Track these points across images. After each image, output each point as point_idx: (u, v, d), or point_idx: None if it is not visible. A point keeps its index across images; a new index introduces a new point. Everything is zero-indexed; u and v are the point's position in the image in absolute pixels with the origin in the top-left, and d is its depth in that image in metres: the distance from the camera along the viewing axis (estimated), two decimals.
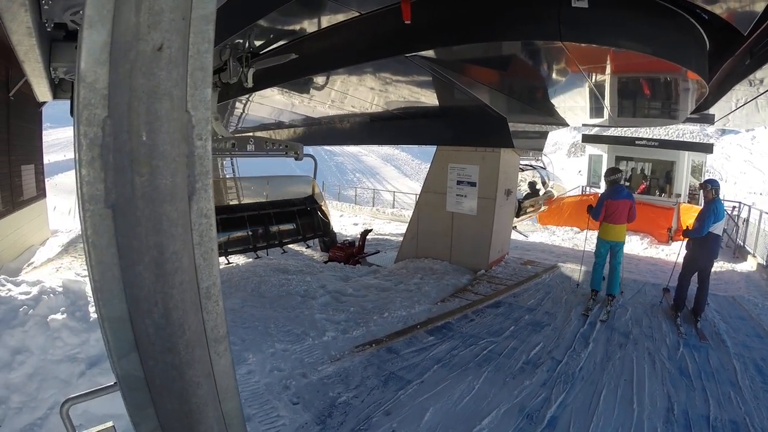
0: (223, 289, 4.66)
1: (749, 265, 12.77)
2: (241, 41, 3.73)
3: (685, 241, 8.01)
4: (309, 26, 3.63)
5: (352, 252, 12.33)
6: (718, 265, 8.29)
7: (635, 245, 10.41)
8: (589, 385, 5.48)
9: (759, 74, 4.35)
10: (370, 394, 5.18)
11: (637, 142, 17.45)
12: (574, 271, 10.42)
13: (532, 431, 4.57)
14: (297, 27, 3.63)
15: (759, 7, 2.58)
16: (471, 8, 3.02)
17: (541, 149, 8.43)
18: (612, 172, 8.12)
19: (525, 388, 5.31)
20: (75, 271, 9.44)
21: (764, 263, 12.04)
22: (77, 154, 1.02)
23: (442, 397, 5.08)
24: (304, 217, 12.51)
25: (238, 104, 7.06)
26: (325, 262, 11.89)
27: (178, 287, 1.12)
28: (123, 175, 1.03)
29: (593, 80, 4.33)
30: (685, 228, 7.83)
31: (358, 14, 3.41)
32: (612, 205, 7.98)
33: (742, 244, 14.47)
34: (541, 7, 2.71)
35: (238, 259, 11.60)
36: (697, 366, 6.10)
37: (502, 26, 2.93)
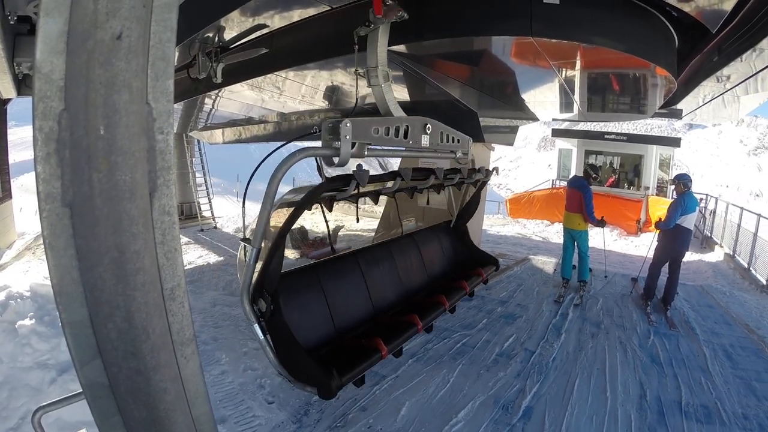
0: (193, 288, 4.50)
1: (717, 255, 13.18)
2: (211, 35, 3.63)
3: (656, 233, 8.22)
4: (280, 20, 3.55)
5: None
6: (687, 256, 8.52)
7: (605, 237, 10.65)
8: (562, 374, 5.56)
9: (726, 71, 4.46)
10: (345, 391, 5.11)
11: (606, 136, 17.76)
12: (546, 263, 10.57)
13: (507, 422, 4.61)
14: (268, 21, 3.55)
15: (728, 6, 2.63)
16: (442, 3, 3.00)
17: (511, 143, 8.47)
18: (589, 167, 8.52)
19: (499, 380, 5.36)
20: (43, 274, 9.17)
21: (731, 253, 12.43)
22: (33, 150, 0.96)
23: (418, 391, 5.08)
24: None
25: (207, 100, 6.89)
26: (296, 259, 11.79)
27: (141, 289, 1.07)
28: (80, 172, 0.97)
29: (563, 76, 4.37)
30: (657, 220, 8.03)
31: (329, 8, 3.37)
32: (566, 193, 8.50)
33: (709, 235, 14.94)
34: (514, 2, 2.71)
35: (209, 257, 11.42)
36: (667, 353, 6.26)
37: (474, 21, 2.91)
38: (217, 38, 3.73)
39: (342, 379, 3.23)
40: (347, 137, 2.66)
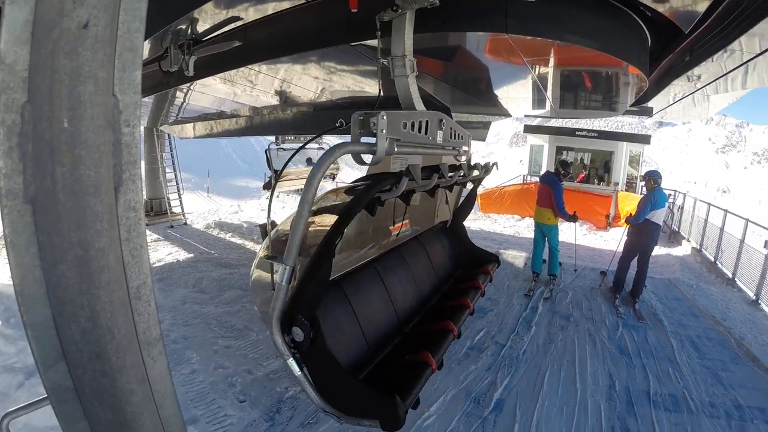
0: (163, 286, 4.35)
1: (684, 250, 13.55)
2: (184, 27, 3.54)
3: (625, 228, 8.41)
4: (254, 13, 3.49)
5: None
6: (655, 250, 8.76)
7: (574, 231, 10.85)
8: (533, 367, 5.66)
9: (697, 71, 4.57)
10: None
11: (577, 132, 18.02)
12: (516, 257, 10.70)
13: (479, 415, 4.67)
14: (242, 13, 3.48)
15: (701, 8, 2.69)
16: None
17: (483, 139, 8.54)
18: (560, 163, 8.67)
19: (470, 373, 5.42)
20: (8, 274, 8.88)
21: (698, 247, 12.80)
22: None
23: None
24: None
25: (178, 93, 6.74)
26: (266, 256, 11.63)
27: (105, 288, 1.03)
28: (43, 167, 0.93)
29: (537, 72, 4.41)
30: (627, 215, 8.23)
31: (304, 1, 3.33)
32: (538, 188, 8.73)
33: (677, 229, 15.35)
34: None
35: (178, 254, 11.23)
36: (636, 345, 6.43)
37: (450, 17, 2.91)
38: (189, 30, 3.63)
39: (405, 403, 2.73)
40: (383, 131, 2.47)
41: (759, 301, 9.04)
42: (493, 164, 4.87)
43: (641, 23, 3.41)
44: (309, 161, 12.51)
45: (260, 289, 3.67)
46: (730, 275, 10.50)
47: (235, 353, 5.86)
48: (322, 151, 12.90)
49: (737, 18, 3.20)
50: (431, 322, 4.05)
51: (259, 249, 3.68)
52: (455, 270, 5.34)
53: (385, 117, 2.46)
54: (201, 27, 3.59)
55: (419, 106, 2.68)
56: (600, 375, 5.59)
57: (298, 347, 2.49)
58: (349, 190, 2.92)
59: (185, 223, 15.38)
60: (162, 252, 11.44)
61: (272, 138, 12.48)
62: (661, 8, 2.94)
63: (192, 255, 11.22)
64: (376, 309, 3.81)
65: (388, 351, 3.61)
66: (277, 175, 10.89)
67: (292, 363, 2.53)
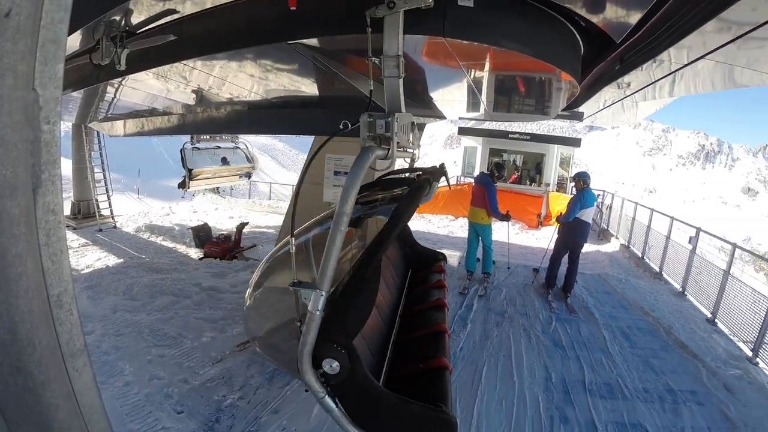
0: (92, 293, 4.09)
1: (613, 246, 14.27)
2: (117, 18, 3.37)
3: (556, 226, 8.73)
4: (191, 6, 3.36)
5: (228, 247, 11.89)
6: (585, 247, 9.18)
7: (507, 230, 11.21)
8: (470, 363, 5.80)
9: (627, 79, 4.81)
10: (256, 394, 5.04)
11: (510, 135, 18.56)
12: (450, 256, 10.89)
13: None
14: (178, 6, 3.35)
15: (633, 20, 2.82)
16: None
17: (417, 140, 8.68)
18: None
19: None
20: None
21: (626, 244, 13.51)
22: None
23: None
24: None
25: (109, 88, 6.41)
26: (200, 259, 11.38)
27: (24, 296, 0.95)
28: None
29: (472, 76, 4.49)
30: (558, 214, 8.56)
31: None
32: (472, 189, 8.94)
33: (606, 227, 16.14)
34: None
35: (108, 260, 10.73)
36: (569, 337, 6.71)
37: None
38: (123, 22, 3.45)
39: (449, 409, 2.53)
40: (396, 134, 2.40)
41: (685, 293, 9.70)
42: (441, 165, 4.86)
43: (575, 32, 3.55)
44: (224, 160, 12.45)
45: (262, 322, 3.18)
46: (658, 269, 11.18)
47: (170, 362, 5.66)
48: (239, 151, 12.80)
49: (667, 30, 3.41)
50: (415, 327, 3.83)
51: (258, 271, 3.22)
52: (407, 271, 5.32)
53: (398, 120, 2.41)
54: (135, 19, 3.43)
55: (404, 108, 2.62)
56: (536, 368, 5.79)
57: (330, 380, 2.21)
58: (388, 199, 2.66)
59: (115, 226, 14.74)
60: (90, 257, 10.95)
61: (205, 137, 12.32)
62: (595, 19, 3.07)
63: (122, 260, 10.77)
64: (373, 320, 3.53)
65: (390, 362, 3.35)
66: (190, 174, 11.06)
67: (328, 401, 2.25)
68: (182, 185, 11.68)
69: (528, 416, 4.82)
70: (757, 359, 6.64)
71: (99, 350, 5.88)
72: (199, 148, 11.61)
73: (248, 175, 13.12)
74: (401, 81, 2.59)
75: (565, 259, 8.47)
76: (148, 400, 4.88)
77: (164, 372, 5.41)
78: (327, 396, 2.22)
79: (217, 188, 12.18)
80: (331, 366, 2.16)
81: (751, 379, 5.98)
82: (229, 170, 12.55)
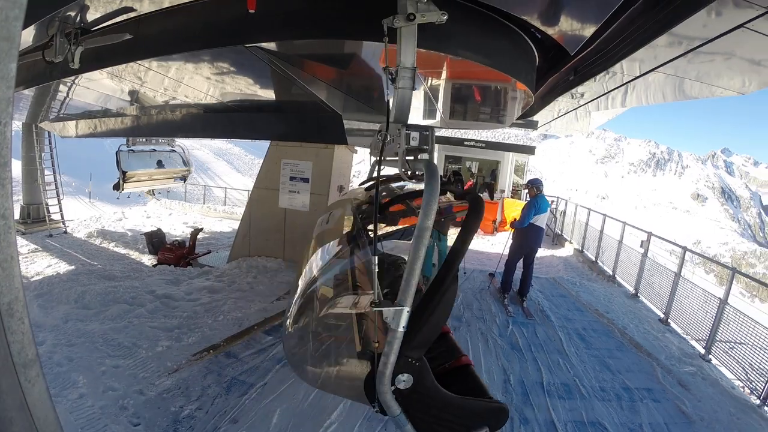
0: (42, 302, 3.92)
1: (567, 251, 14.61)
2: (72, 14, 3.25)
3: (511, 232, 8.88)
4: (149, 5, 3.28)
5: (183, 253, 11.80)
6: (540, 251, 9.37)
7: None
8: None
9: (580, 89, 4.95)
10: (214, 404, 4.93)
11: (465, 142, 18.78)
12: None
13: (380, 419, 4.71)
14: (135, 4, 3.26)
15: (588, 33, 2.90)
16: (316, 3, 2.97)
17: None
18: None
19: None
20: None
21: (580, 248, 13.85)
22: None
23: (288, 397, 5.02)
24: None
25: (62, 87, 6.19)
26: (154, 266, 11.15)
27: None
28: None
29: (429, 84, 4.53)
30: (512, 220, 8.70)
31: None
32: None
33: (560, 232, 16.51)
34: (388, 10, 2.76)
35: (59, 266, 10.36)
36: (526, 340, 6.83)
37: (347, 25, 2.92)
38: (79, 18, 3.33)
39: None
40: (435, 146, 2.42)
41: (638, 295, 10.02)
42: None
43: (531, 44, 3.63)
44: (160, 164, 12.47)
45: (306, 347, 2.93)
46: (611, 272, 11.50)
47: (125, 373, 5.48)
48: (174, 154, 12.79)
49: (620, 44, 3.53)
50: None
51: (297, 288, 3.02)
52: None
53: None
54: (91, 15, 3.32)
55: (409, 119, 2.59)
56: (494, 370, 5.87)
57: (401, 395, 2.16)
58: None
59: (65, 232, 14.38)
60: (41, 264, 10.66)
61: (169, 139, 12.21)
62: (550, 31, 3.14)
63: (73, 267, 10.50)
64: None
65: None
66: (124, 176, 11.23)
67: (402, 417, 2.20)
68: (116, 187, 11.67)
69: None
70: (710, 356, 6.94)
71: (51, 361, 5.66)
72: (134, 151, 11.63)
73: (183, 179, 13.12)
74: (412, 93, 2.56)
75: (521, 263, 8.61)
76: (103, 413, 4.72)
77: (119, 383, 5.24)
78: (403, 413, 2.19)
79: (152, 190, 12.17)
80: (404, 380, 2.12)
81: (704, 375, 6.24)
82: (164, 173, 12.63)
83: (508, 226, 9.74)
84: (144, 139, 11.74)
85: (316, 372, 2.76)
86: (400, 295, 2.01)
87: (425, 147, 2.45)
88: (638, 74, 4.13)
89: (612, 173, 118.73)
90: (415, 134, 2.42)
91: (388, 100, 2.61)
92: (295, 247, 10.80)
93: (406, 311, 2.00)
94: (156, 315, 7.38)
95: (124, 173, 11.36)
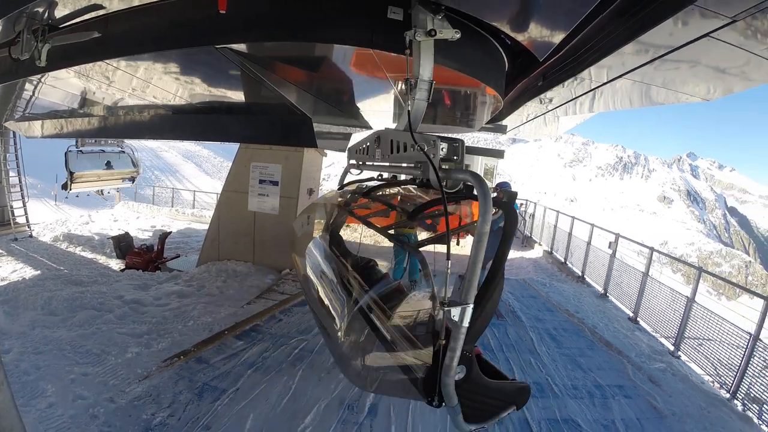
0: (8, 308, 3.85)
1: (536, 253, 14.86)
2: (40, 11, 3.17)
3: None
4: (117, 2, 3.22)
5: (151, 257, 11.69)
6: (510, 254, 9.47)
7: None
8: None
9: (549, 94, 5.03)
10: (186, 410, 4.88)
11: None
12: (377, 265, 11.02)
13: (355, 421, 4.73)
14: (104, 2, 3.20)
15: (556, 39, 2.95)
16: (288, 5, 2.96)
17: (344, 150, 8.76)
18: None
19: (341, 381, 5.44)
20: None
21: (549, 250, 14.09)
22: None
23: (261, 402, 5.00)
24: None
25: (28, 85, 6.03)
26: (122, 270, 10.98)
27: None
28: None
29: (398, 88, 4.56)
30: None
31: None
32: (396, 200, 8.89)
33: (529, 235, 16.75)
34: (359, 14, 2.77)
35: (24, 271, 10.12)
36: (497, 340, 6.92)
37: (319, 27, 2.91)
38: (47, 14, 3.26)
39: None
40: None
41: (607, 294, 10.26)
42: None
43: (500, 49, 3.68)
44: (108, 164, 12.53)
45: (360, 353, 3.01)
46: (580, 273, 11.75)
47: (94, 381, 5.40)
48: (124, 155, 12.83)
49: (588, 51, 3.61)
50: None
51: (336, 299, 3.11)
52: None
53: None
54: (59, 12, 3.24)
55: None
56: None
57: (455, 385, 2.26)
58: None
59: (31, 236, 14.13)
60: (5, 269, 10.49)
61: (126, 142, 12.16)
62: (520, 38, 3.18)
63: (39, 272, 10.29)
64: None
65: None
66: (72, 177, 11.30)
67: (458, 407, 2.30)
68: (64, 187, 11.63)
69: None
70: (679, 353, 7.17)
71: (18, 370, 5.55)
72: (83, 152, 11.62)
73: (132, 179, 13.14)
74: (426, 105, 2.64)
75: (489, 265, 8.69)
76: (74, 422, 4.65)
77: (89, 391, 5.15)
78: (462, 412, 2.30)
79: (101, 191, 12.24)
80: (458, 372, 2.23)
81: (674, 371, 6.42)
82: (112, 174, 12.57)
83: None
84: (93, 140, 11.78)
85: (374, 376, 2.82)
86: (464, 294, 2.23)
87: (455, 157, 2.54)
88: (606, 80, 4.22)
89: (580, 176, 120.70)
90: (443, 145, 2.47)
91: (409, 111, 2.65)
92: (264, 250, 10.76)
93: (468, 308, 2.19)
94: (125, 321, 7.27)
95: (71, 173, 11.37)
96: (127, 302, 8.08)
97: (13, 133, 13.73)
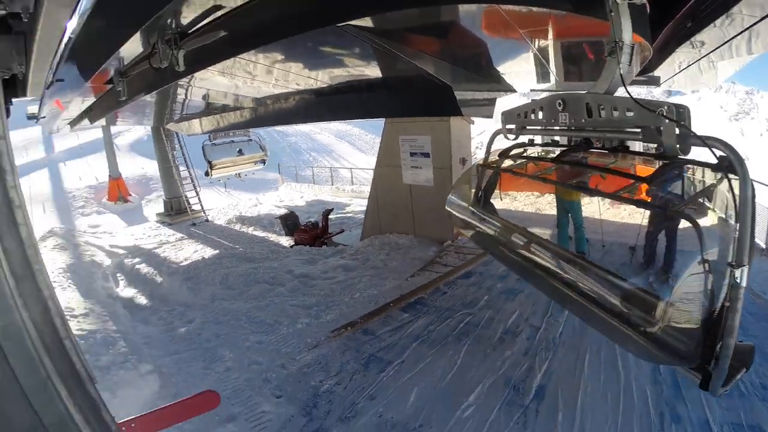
0: (191, 285, 4.27)
1: None
2: (168, 21, 3.38)
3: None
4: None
5: (317, 233, 12.17)
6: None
7: (599, 206, 10.41)
8: (570, 350, 5.34)
9: (700, 37, 4.30)
10: (352, 380, 5.04)
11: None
12: (540, 234, 10.47)
13: (521, 403, 4.46)
14: (224, 2, 3.31)
15: None
16: None
17: (491, 116, 8.36)
18: None
19: (507, 359, 5.20)
20: None
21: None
22: None
23: (425, 376, 4.97)
24: None
25: (179, 90, 6.61)
26: (291, 246, 11.68)
27: None
28: None
29: (536, 45, 4.18)
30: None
31: None
32: None
33: None
34: None
35: (204, 252, 11.27)
36: None
37: None
38: (174, 23, 3.46)
39: None
40: None
41: None
42: None
43: None
44: (240, 152, 13.65)
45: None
46: (763, 245, 9.68)
47: (267, 348, 5.83)
48: (252, 142, 13.66)
49: None
50: None
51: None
52: None
53: None
54: (184, 19, 3.42)
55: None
56: None
57: None
58: None
59: (207, 220, 15.57)
60: (187, 250, 11.60)
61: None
62: None
63: (217, 251, 11.30)
64: None
65: None
66: (211, 165, 12.72)
67: None
68: (207, 174, 13.07)
69: (636, 410, 4.31)
70: None
71: (200, 338, 6.23)
72: (216, 144, 12.95)
73: (263, 162, 14.20)
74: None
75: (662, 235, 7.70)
76: (248, 385, 5.06)
77: (262, 358, 5.58)
78: None
79: (239, 174, 13.59)
80: None
81: None
82: (245, 159, 13.72)
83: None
84: (224, 134, 13.06)
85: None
86: (740, 255, 1.88)
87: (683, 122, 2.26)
88: (760, 17, 3.48)
89: (749, 131, 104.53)
90: (674, 110, 2.20)
91: (621, 74, 2.39)
92: (424, 222, 10.70)
93: (744, 269, 1.88)
94: (295, 293, 7.73)
95: (210, 162, 12.74)
96: (296, 276, 8.57)
97: (176, 133, 15.34)
